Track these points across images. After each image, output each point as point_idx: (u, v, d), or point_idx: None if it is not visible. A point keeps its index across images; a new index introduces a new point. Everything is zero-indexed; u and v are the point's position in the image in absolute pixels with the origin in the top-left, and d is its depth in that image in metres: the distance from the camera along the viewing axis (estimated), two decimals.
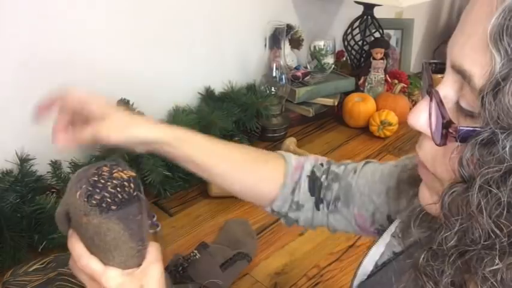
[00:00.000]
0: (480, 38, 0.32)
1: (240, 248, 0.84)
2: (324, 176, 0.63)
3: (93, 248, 0.47)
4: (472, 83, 0.33)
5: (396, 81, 1.45)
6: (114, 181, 0.46)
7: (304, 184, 0.62)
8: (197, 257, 0.81)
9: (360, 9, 1.46)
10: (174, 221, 0.96)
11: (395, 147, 1.28)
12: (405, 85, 1.48)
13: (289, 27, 1.36)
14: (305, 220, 0.64)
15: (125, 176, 0.47)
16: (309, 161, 0.64)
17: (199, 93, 1.25)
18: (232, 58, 1.32)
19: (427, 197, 0.42)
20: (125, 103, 1.04)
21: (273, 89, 1.24)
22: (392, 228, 0.56)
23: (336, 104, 1.36)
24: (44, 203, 0.83)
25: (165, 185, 0.99)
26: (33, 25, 0.88)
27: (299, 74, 1.33)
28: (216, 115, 1.09)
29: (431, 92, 0.37)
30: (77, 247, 0.48)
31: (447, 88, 0.36)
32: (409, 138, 1.34)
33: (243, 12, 1.29)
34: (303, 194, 0.62)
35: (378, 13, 1.46)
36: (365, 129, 1.34)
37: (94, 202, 0.45)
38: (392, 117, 1.30)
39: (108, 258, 0.48)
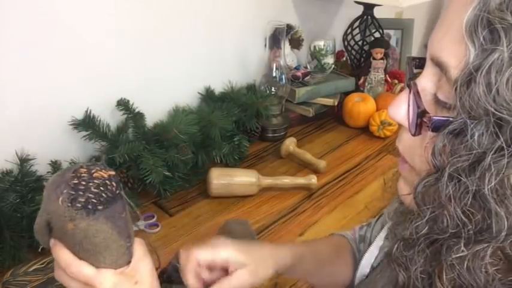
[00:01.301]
0: (457, 30, 0.33)
1: None
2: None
3: (82, 253, 0.46)
4: (448, 74, 0.34)
5: (396, 81, 1.46)
6: (96, 181, 0.45)
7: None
8: None
9: (360, 9, 1.46)
10: (174, 221, 0.96)
11: (395, 147, 1.28)
12: None
13: (289, 27, 1.36)
14: None
15: (105, 175, 0.46)
16: (357, 232, 0.70)
17: (199, 93, 1.25)
18: (232, 58, 1.32)
19: (404, 189, 0.43)
20: (124, 103, 1.04)
21: (273, 89, 1.24)
22: (385, 230, 0.58)
23: (336, 104, 1.36)
24: None
25: (165, 185, 0.99)
26: (34, 25, 0.88)
27: (299, 74, 1.33)
28: (216, 115, 1.09)
29: (409, 84, 0.38)
30: (63, 255, 0.47)
31: (426, 80, 0.37)
32: None
33: (243, 12, 1.29)
34: None
35: (378, 13, 1.46)
36: (365, 129, 1.34)
37: (79, 205, 0.44)
38: None
39: (99, 261, 0.47)
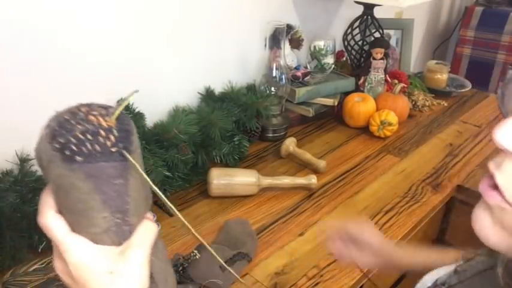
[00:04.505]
0: None
1: (240, 248, 0.84)
2: None
3: (60, 207, 0.38)
4: None
5: (396, 81, 1.46)
6: (87, 125, 0.36)
7: None
8: (197, 257, 0.81)
9: (360, 9, 1.45)
10: (174, 221, 0.96)
11: (395, 147, 1.28)
12: (405, 85, 1.48)
13: (289, 27, 1.36)
14: None
15: (104, 123, 0.36)
16: None
17: (199, 93, 1.25)
18: (232, 58, 1.32)
19: (487, 227, 0.36)
20: None
21: (273, 89, 1.24)
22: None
23: (336, 104, 1.36)
24: None
25: (165, 185, 0.99)
26: (34, 25, 0.88)
27: (299, 74, 1.33)
28: (216, 115, 1.09)
29: None
30: (42, 200, 0.38)
31: None
32: (409, 138, 1.34)
33: (243, 12, 1.29)
34: None
35: (378, 13, 1.46)
36: (365, 129, 1.34)
37: (57, 146, 0.35)
38: (393, 117, 1.30)
39: (76, 224, 0.37)
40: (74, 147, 0.35)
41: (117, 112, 0.38)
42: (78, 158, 0.35)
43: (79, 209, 0.37)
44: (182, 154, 1.00)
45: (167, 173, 0.97)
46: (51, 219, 0.37)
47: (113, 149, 0.36)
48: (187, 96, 1.22)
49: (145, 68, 1.11)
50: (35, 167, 0.93)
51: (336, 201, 1.03)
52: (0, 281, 0.74)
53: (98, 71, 1.02)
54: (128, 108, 1.04)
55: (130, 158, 0.37)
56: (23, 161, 0.91)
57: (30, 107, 0.93)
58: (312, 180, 1.05)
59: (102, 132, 0.36)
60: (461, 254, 0.51)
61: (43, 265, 0.75)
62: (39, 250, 0.82)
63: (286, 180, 1.06)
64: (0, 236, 0.80)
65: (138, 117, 1.05)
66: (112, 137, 0.36)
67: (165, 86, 1.17)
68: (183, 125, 1.01)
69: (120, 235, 0.38)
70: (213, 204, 1.01)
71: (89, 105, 0.38)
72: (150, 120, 1.08)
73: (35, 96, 0.93)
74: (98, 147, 0.36)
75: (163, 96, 1.16)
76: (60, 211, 0.38)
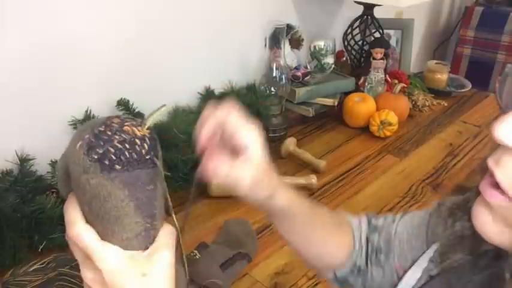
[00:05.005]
0: None
1: (240, 248, 0.84)
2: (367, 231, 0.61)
3: (90, 216, 0.39)
4: None
5: (396, 81, 1.46)
6: (123, 135, 0.38)
7: (364, 248, 0.60)
8: (197, 257, 0.81)
9: (360, 9, 1.46)
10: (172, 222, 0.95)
11: (395, 147, 1.28)
12: (405, 85, 1.48)
13: (289, 27, 1.36)
14: (362, 283, 0.60)
15: (138, 133, 0.39)
16: (364, 222, 0.61)
17: (199, 93, 1.25)
18: (232, 58, 1.32)
19: (488, 224, 0.36)
20: (124, 103, 1.04)
21: (273, 89, 1.24)
22: (430, 252, 0.53)
23: (336, 104, 1.36)
24: (44, 203, 0.83)
25: None
26: (34, 25, 0.88)
27: (299, 74, 1.33)
28: None
29: None
30: (70, 211, 0.39)
31: None
32: (409, 138, 1.34)
33: (243, 12, 1.29)
34: (363, 258, 0.60)
35: (378, 13, 1.46)
36: (365, 129, 1.34)
37: (95, 157, 0.37)
38: (392, 117, 1.30)
39: (107, 232, 0.39)
40: (113, 157, 0.37)
41: (149, 122, 0.40)
42: (117, 167, 0.37)
43: (113, 216, 0.38)
44: (182, 154, 1.00)
45: (167, 173, 0.97)
46: (83, 230, 0.38)
47: (147, 157, 0.39)
48: (187, 96, 1.22)
49: (145, 68, 1.11)
50: (35, 167, 0.93)
51: (336, 201, 1.03)
52: (0, 281, 0.74)
53: (98, 72, 1.02)
54: (128, 108, 1.04)
55: (159, 165, 0.41)
56: (23, 161, 0.91)
57: (31, 107, 0.93)
58: (312, 180, 1.05)
59: (138, 141, 0.39)
60: (433, 256, 0.51)
61: (43, 265, 0.75)
62: (39, 250, 0.82)
63: (286, 180, 1.05)
64: (0, 236, 0.80)
65: (138, 117, 1.05)
66: (146, 145, 0.39)
67: (165, 86, 1.17)
68: (183, 125, 1.01)
69: (147, 239, 0.40)
70: (213, 204, 1.01)
71: (119, 117, 0.40)
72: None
73: (34, 96, 0.93)
74: (135, 155, 0.38)
75: (163, 96, 1.16)
76: (89, 221, 0.39)
